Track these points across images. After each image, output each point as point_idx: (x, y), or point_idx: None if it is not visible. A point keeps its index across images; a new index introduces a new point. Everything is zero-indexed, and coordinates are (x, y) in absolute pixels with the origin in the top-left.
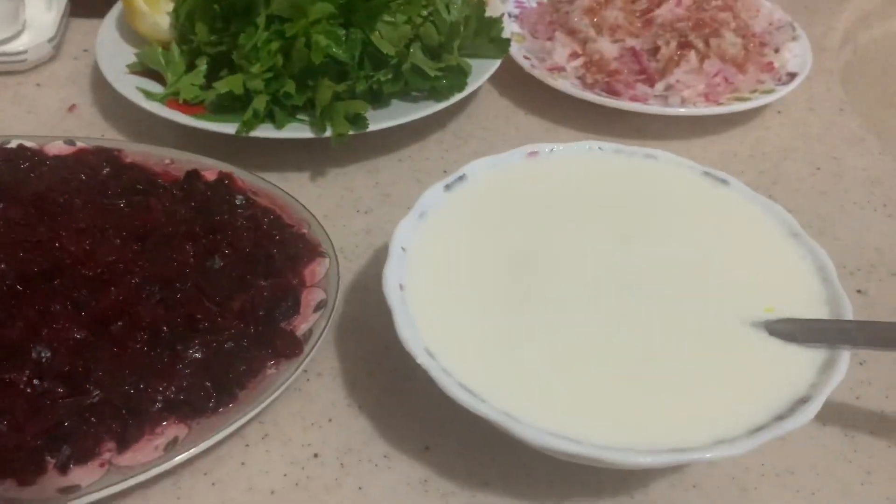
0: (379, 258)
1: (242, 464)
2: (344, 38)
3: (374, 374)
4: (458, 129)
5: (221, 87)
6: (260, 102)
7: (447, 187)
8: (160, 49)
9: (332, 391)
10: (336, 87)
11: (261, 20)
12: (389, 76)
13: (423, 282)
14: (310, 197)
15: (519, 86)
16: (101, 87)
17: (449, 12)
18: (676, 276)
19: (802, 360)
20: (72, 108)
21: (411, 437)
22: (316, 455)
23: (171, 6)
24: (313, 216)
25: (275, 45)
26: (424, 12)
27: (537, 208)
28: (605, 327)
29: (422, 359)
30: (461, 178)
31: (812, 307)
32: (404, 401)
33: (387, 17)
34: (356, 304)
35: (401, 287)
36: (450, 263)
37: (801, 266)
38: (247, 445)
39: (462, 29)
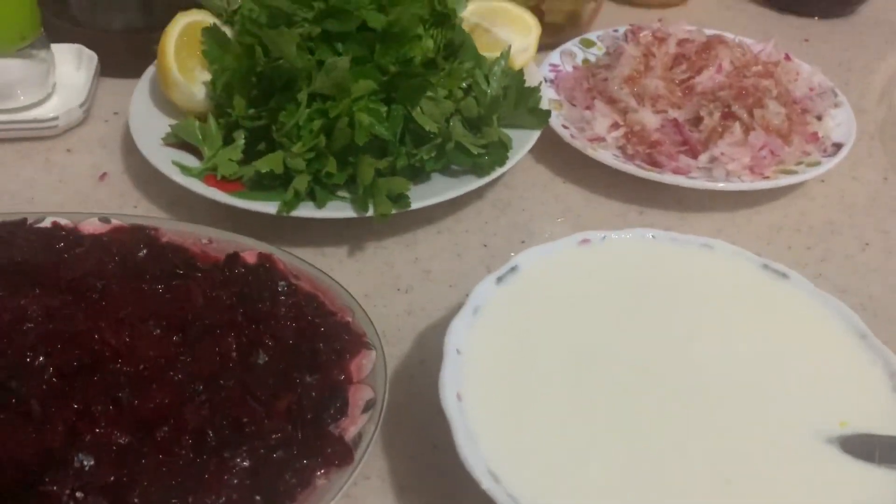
0: (422, 343)
1: None
2: (385, 115)
3: (424, 478)
4: (496, 199)
5: (262, 165)
6: (301, 183)
7: (499, 280)
8: (197, 122)
9: (380, 496)
10: (377, 164)
11: (302, 97)
12: (432, 154)
13: (480, 390)
14: (349, 274)
15: (557, 154)
16: (132, 153)
17: (489, 84)
18: (741, 383)
19: (883, 483)
20: (103, 176)
21: None
22: None
23: (206, 76)
24: (356, 302)
25: (317, 124)
26: (464, 85)
27: (593, 304)
28: (675, 445)
29: (487, 484)
30: (513, 269)
31: (890, 420)
32: None
33: (428, 93)
34: (400, 395)
35: (458, 397)
36: (507, 368)
37: (871, 372)
38: None
39: (502, 101)
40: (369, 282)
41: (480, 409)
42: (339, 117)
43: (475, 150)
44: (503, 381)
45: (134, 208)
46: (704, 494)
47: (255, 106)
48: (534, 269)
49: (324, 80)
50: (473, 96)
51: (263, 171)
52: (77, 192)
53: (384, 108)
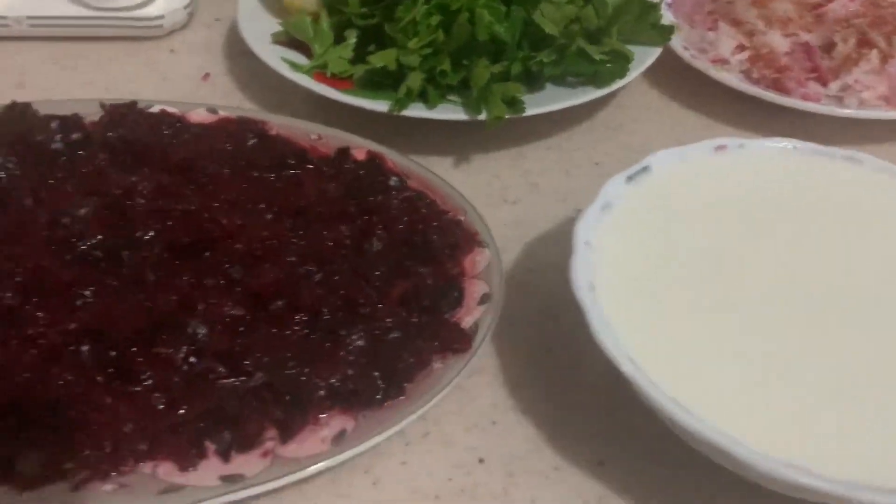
0: (530, 253)
1: (403, 463)
2: (504, 16)
3: (537, 378)
4: (607, 120)
5: (375, 60)
6: (415, 80)
7: (629, 178)
8: (308, 19)
9: (493, 391)
10: (492, 68)
11: None
12: (553, 58)
13: (612, 282)
14: (454, 183)
15: (672, 77)
16: (236, 56)
17: None
18: (884, 297)
19: None
20: (205, 76)
21: (583, 451)
22: (481, 460)
23: None
24: (470, 204)
25: (435, 20)
26: None
27: (728, 210)
28: (818, 346)
29: (626, 367)
30: (645, 168)
31: None
32: (572, 410)
33: None
34: (511, 301)
35: (591, 287)
36: (638, 263)
37: None
38: (407, 444)
39: (623, 14)
40: (475, 191)
41: (613, 299)
42: (460, 12)
43: (597, 57)
44: (635, 277)
45: (239, 108)
46: (846, 395)
47: (369, 4)
48: (666, 171)
49: None
50: (593, 5)
51: (377, 66)
52: (180, 91)
53: (503, 10)
